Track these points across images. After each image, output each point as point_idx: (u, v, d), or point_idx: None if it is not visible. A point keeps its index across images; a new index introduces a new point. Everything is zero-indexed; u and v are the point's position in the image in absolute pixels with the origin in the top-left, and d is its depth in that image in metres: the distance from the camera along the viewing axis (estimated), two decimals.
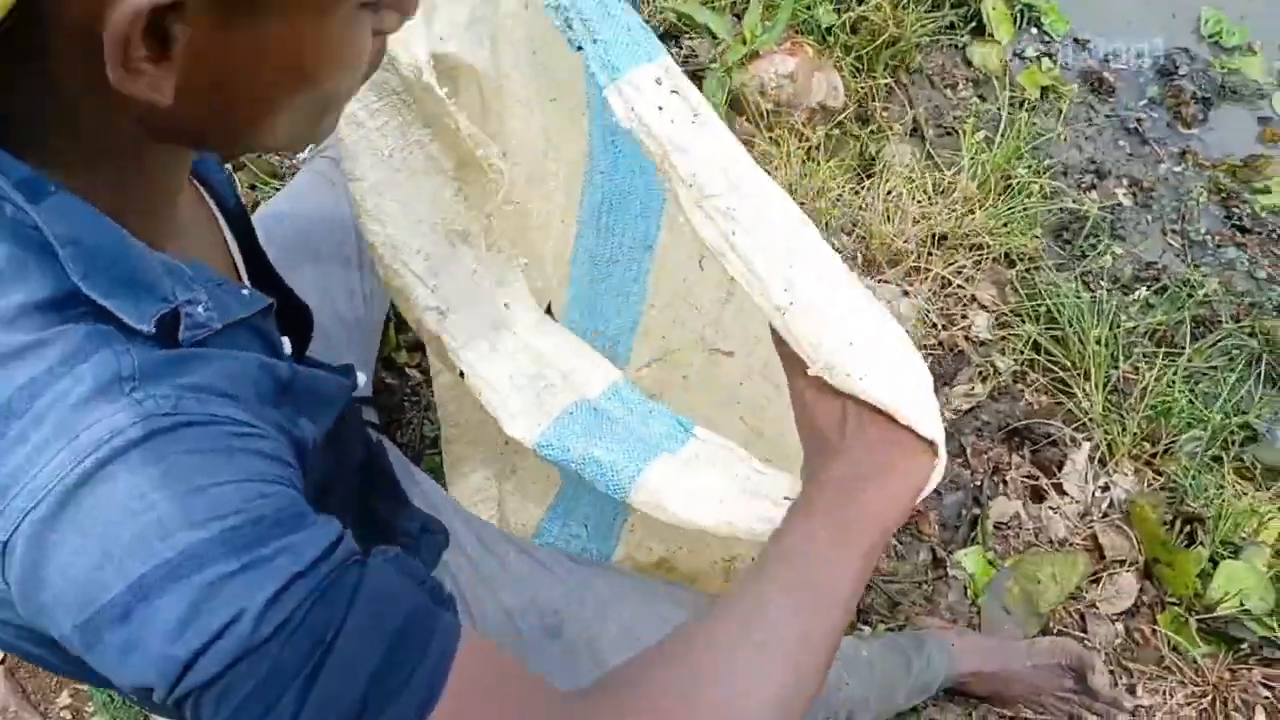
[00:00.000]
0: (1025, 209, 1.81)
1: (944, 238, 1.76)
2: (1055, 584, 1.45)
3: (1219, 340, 1.71)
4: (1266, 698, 1.40)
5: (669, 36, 1.95)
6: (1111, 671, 1.39)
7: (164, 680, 0.48)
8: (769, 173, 1.77)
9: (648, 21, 1.94)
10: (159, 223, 0.58)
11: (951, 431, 1.60)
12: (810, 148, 1.82)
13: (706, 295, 0.99)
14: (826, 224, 1.73)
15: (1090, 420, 1.60)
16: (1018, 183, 1.84)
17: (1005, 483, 1.57)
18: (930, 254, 1.74)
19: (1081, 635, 1.44)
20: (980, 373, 1.66)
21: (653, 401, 0.88)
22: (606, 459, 0.81)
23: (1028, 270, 1.77)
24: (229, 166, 1.32)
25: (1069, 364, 1.65)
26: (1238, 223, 1.92)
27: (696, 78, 1.85)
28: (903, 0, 1.99)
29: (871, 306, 0.72)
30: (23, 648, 0.59)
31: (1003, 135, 1.90)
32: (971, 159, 1.84)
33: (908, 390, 0.68)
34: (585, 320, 1.02)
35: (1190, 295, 1.75)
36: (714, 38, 1.89)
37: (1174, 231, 1.91)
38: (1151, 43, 2.17)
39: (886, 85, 1.96)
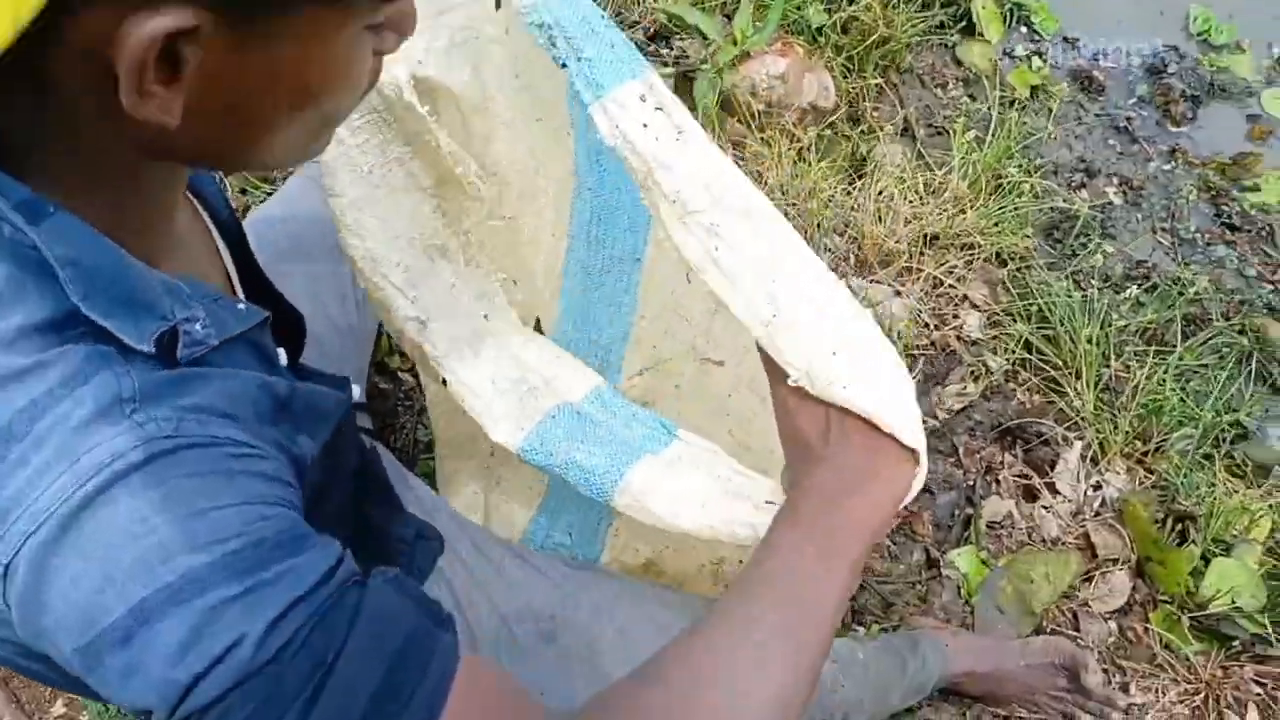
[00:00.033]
0: (1016, 208, 1.82)
1: (936, 238, 1.77)
2: (1048, 583, 1.45)
3: (1209, 338, 1.72)
4: (1258, 695, 1.41)
5: (660, 37, 1.95)
6: (1105, 670, 1.40)
7: (164, 703, 0.48)
8: (760, 174, 1.78)
9: (638, 23, 1.95)
10: (156, 239, 0.58)
11: (944, 431, 1.61)
12: (802, 148, 1.82)
13: (696, 306, 0.99)
14: (819, 225, 1.74)
15: (1082, 419, 1.61)
16: (1008, 182, 1.84)
17: (998, 482, 1.58)
18: (922, 254, 1.75)
19: (1074, 634, 1.44)
20: (972, 372, 1.67)
21: (636, 405, 0.88)
22: (589, 463, 0.81)
23: (1019, 269, 1.77)
24: (219, 175, 1.32)
25: (1061, 363, 1.65)
26: (1227, 220, 1.93)
27: (687, 79, 1.85)
28: (893, 0, 2.00)
29: (855, 314, 0.72)
30: (18, 663, 0.59)
31: (993, 135, 1.90)
32: (962, 159, 1.85)
33: (890, 398, 0.69)
34: (578, 330, 1.02)
35: (1181, 293, 1.76)
36: (705, 39, 1.89)
37: (1164, 230, 1.92)
38: (1140, 41, 2.18)
39: (877, 85, 1.96)
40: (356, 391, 0.79)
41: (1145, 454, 1.59)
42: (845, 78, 1.94)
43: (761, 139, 1.81)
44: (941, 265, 1.74)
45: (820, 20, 1.95)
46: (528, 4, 0.71)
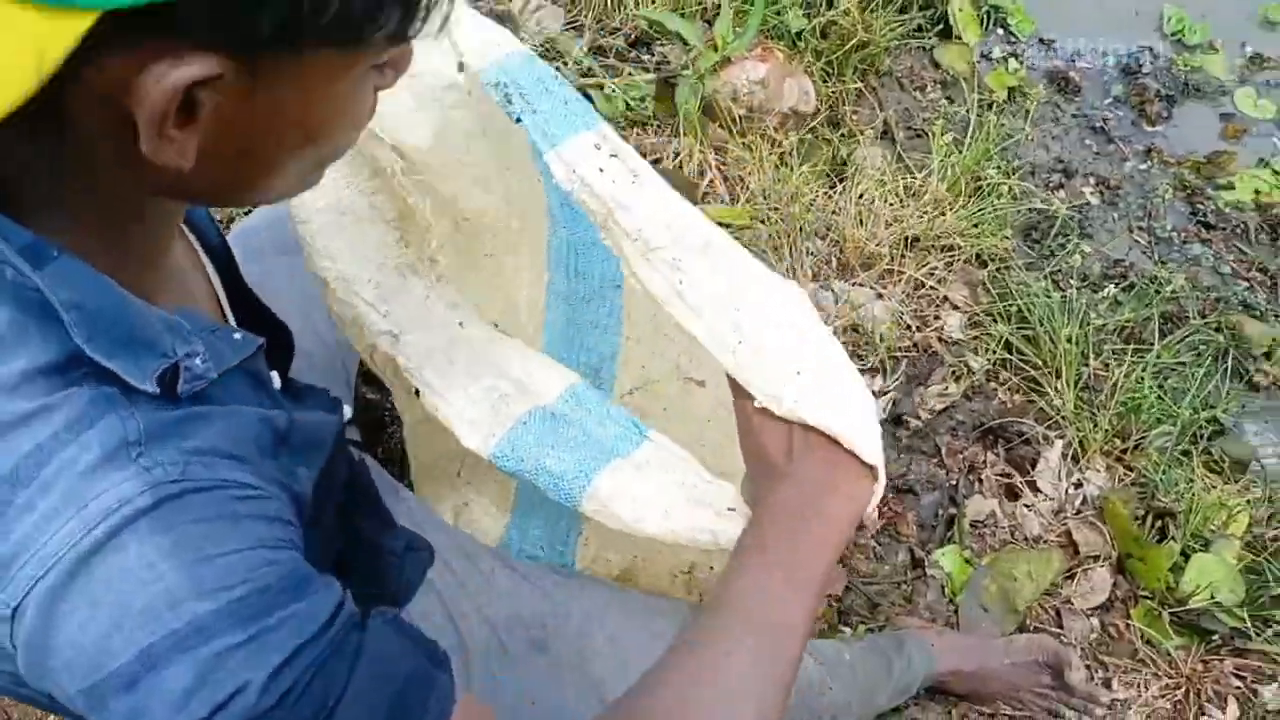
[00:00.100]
0: (995, 210, 1.84)
1: (916, 240, 1.78)
2: (1031, 581, 1.47)
3: (1186, 336, 1.74)
4: (1238, 688, 1.43)
5: (641, 43, 1.97)
6: (1087, 666, 1.42)
7: None
8: (742, 179, 1.80)
9: (619, 29, 1.96)
10: (154, 273, 0.59)
11: (927, 431, 1.63)
12: (783, 153, 1.83)
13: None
14: (800, 229, 1.75)
15: (1062, 418, 1.63)
16: (987, 184, 1.86)
17: (981, 481, 1.60)
18: (903, 256, 1.77)
19: (1057, 631, 1.46)
20: (954, 372, 1.68)
21: (611, 403, 0.90)
22: (558, 468, 0.83)
23: (999, 270, 1.79)
24: None
25: (1041, 362, 1.67)
26: (1202, 219, 1.96)
27: (669, 85, 1.86)
28: (871, 4, 2.01)
29: (818, 335, 0.75)
30: (16, 692, 0.59)
31: (971, 137, 1.92)
32: (941, 161, 1.86)
33: (852, 417, 0.71)
34: (564, 356, 1.03)
35: (1158, 292, 1.78)
36: (686, 45, 1.90)
37: (1141, 229, 1.94)
38: (1116, 42, 2.20)
39: (856, 89, 1.98)
40: (347, 412, 0.79)
41: (1125, 451, 1.61)
42: (825, 82, 1.95)
43: (743, 144, 1.82)
44: (922, 267, 1.76)
45: (800, 25, 1.96)
46: (485, 66, 0.76)
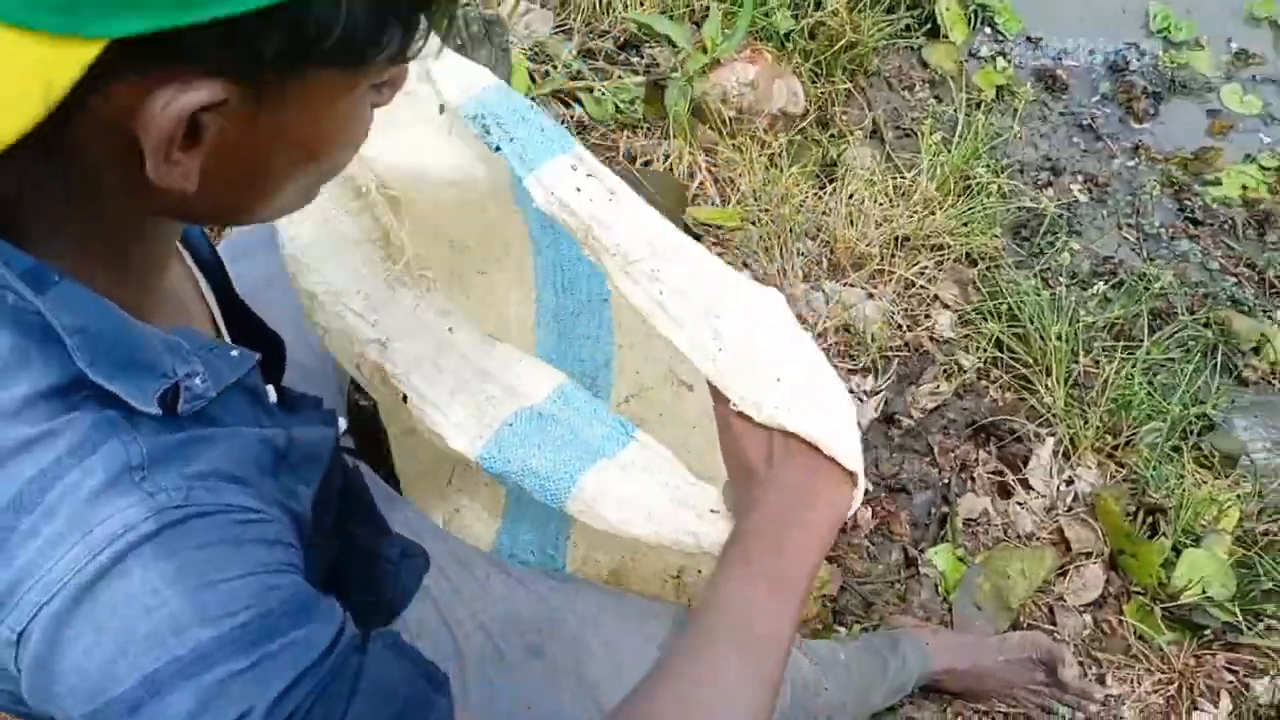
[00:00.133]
0: (984, 208, 1.84)
1: (906, 239, 1.79)
2: (1024, 578, 1.48)
3: (1175, 332, 1.75)
4: (1230, 682, 1.44)
5: (630, 46, 1.97)
6: (1081, 663, 1.43)
7: None
8: (733, 180, 1.80)
9: (608, 32, 1.96)
10: (152, 293, 0.59)
11: (919, 430, 1.63)
12: (773, 154, 1.84)
13: None
14: (791, 230, 1.76)
15: (1053, 415, 1.63)
16: (976, 183, 1.87)
17: (973, 479, 1.61)
18: (893, 256, 1.77)
19: (1051, 628, 1.47)
20: (945, 371, 1.69)
21: (599, 402, 0.91)
22: (544, 469, 0.84)
23: (989, 269, 1.80)
24: None
25: (1031, 360, 1.68)
26: (1190, 215, 1.97)
27: (658, 87, 1.86)
28: (859, 4, 2.02)
29: (797, 341, 0.77)
30: (16, 710, 0.60)
31: (960, 136, 1.93)
32: (930, 160, 1.87)
33: (833, 424, 0.73)
34: (559, 367, 1.05)
35: (1146, 289, 1.79)
36: (675, 47, 1.91)
37: (1129, 225, 1.95)
38: (1102, 40, 2.21)
39: (845, 90, 1.99)
40: (342, 424, 0.80)
41: (1115, 448, 1.62)
42: (814, 83, 1.96)
43: (733, 145, 1.83)
44: (913, 266, 1.77)
45: (788, 26, 1.97)
46: (464, 101, 0.80)
